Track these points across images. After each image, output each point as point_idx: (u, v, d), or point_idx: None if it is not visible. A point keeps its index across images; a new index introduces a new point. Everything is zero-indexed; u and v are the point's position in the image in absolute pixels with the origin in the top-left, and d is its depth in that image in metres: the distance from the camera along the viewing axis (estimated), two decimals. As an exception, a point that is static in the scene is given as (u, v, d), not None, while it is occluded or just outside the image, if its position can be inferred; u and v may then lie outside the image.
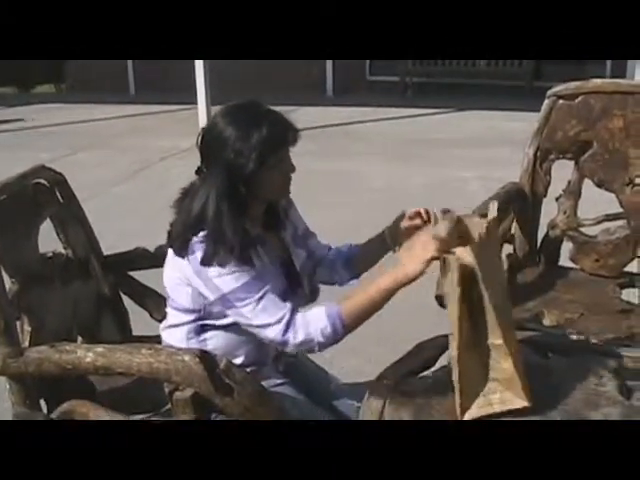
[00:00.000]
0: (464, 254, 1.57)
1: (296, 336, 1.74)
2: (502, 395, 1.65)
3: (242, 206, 1.80)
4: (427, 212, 1.87)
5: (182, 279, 1.84)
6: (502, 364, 1.64)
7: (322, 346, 1.76)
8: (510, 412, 1.63)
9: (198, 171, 1.85)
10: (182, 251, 1.80)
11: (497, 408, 1.64)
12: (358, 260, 2.07)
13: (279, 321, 1.74)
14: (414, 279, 1.65)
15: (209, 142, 1.82)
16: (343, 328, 1.73)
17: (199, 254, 1.76)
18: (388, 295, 1.70)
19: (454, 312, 1.59)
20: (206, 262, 1.75)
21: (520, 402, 1.64)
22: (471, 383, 1.65)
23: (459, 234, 1.60)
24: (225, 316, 1.83)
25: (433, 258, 1.60)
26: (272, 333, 1.75)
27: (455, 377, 1.64)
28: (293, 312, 1.75)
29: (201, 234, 1.77)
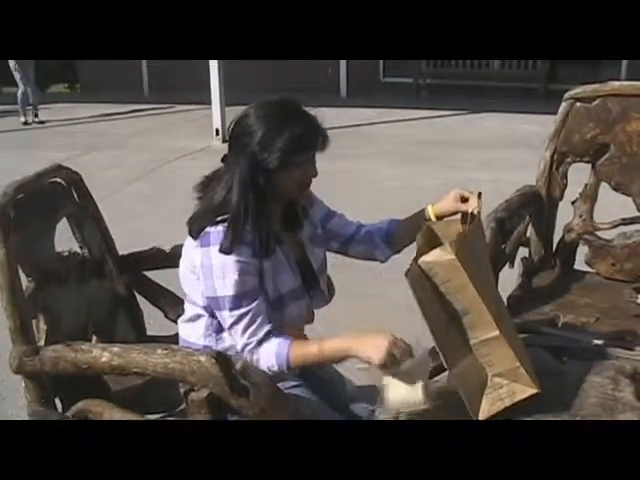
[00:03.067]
0: (439, 258, 1.60)
1: (257, 363, 1.81)
2: (509, 388, 1.65)
3: (262, 199, 1.81)
4: (477, 200, 1.87)
5: (193, 272, 1.85)
6: (500, 356, 1.64)
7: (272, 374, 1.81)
8: (523, 401, 1.64)
9: (224, 159, 1.86)
10: (198, 237, 1.81)
11: (507, 402, 1.64)
12: (399, 235, 2.05)
13: (246, 345, 1.81)
14: (359, 358, 1.72)
15: (238, 132, 1.83)
16: (288, 369, 1.81)
17: (215, 246, 1.77)
18: (336, 359, 1.81)
19: (435, 324, 1.62)
20: (225, 250, 1.76)
21: (529, 390, 1.65)
22: (472, 387, 1.65)
23: (430, 242, 1.65)
24: None
25: (380, 363, 1.67)
26: (239, 346, 1.82)
27: (456, 385, 1.65)
28: (261, 342, 1.81)
29: (221, 226, 1.78)
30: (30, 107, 9.79)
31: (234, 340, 1.83)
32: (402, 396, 1.65)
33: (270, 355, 1.79)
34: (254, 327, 1.80)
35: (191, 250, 1.84)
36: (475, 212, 1.82)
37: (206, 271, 1.79)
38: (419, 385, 1.64)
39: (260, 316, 1.80)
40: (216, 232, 1.78)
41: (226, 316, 1.81)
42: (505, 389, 1.64)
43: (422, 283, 1.60)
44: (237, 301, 1.79)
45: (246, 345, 1.80)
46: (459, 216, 1.85)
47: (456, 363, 1.64)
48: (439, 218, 1.94)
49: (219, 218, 1.80)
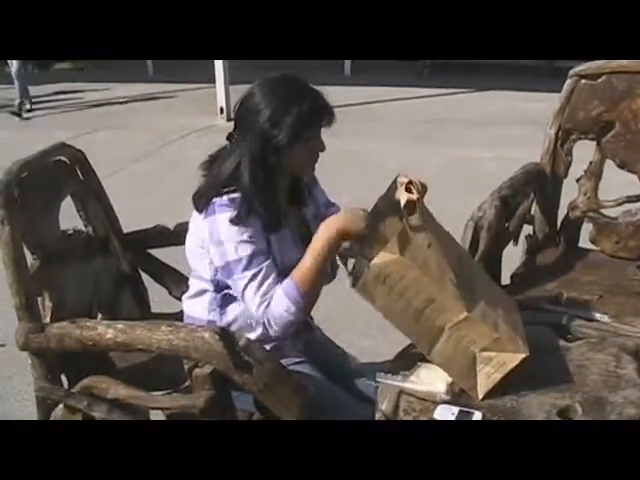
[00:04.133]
0: (386, 258, 1.64)
1: (270, 323, 1.79)
2: (498, 359, 1.65)
3: (271, 176, 1.83)
4: (417, 184, 1.82)
5: (201, 245, 1.86)
6: (478, 333, 1.65)
7: (294, 322, 1.80)
8: (515, 367, 1.64)
9: (229, 137, 1.87)
10: (204, 210, 1.82)
11: (500, 372, 1.64)
12: None
13: (261, 303, 1.78)
14: (343, 236, 1.76)
15: (244, 110, 1.83)
16: (304, 299, 1.77)
17: (221, 214, 1.78)
18: (333, 251, 1.79)
19: (403, 323, 1.65)
20: (235, 221, 1.77)
21: (518, 357, 1.65)
22: (462, 367, 1.66)
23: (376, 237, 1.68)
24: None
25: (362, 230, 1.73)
26: (254, 307, 1.79)
27: (445, 370, 1.65)
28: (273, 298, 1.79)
29: (226, 197, 1.79)
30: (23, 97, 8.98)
31: (247, 302, 1.80)
32: (431, 380, 1.66)
33: (281, 299, 1.77)
34: (267, 285, 1.79)
35: (198, 223, 1.85)
36: (413, 199, 1.79)
37: (215, 239, 1.79)
38: (448, 379, 1.66)
39: (272, 275, 1.80)
40: (222, 202, 1.79)
41: (238, 278, 1.80)
42: (495, 361, 1.65)
43: (376, 288, 1.63)
44: (248, 262, 1.78)
45: (261, 304, 1.78)
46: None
47: (437, 350, 1.66)
48: (391, 208, 1.90)
49: (225, 189, 1.81)
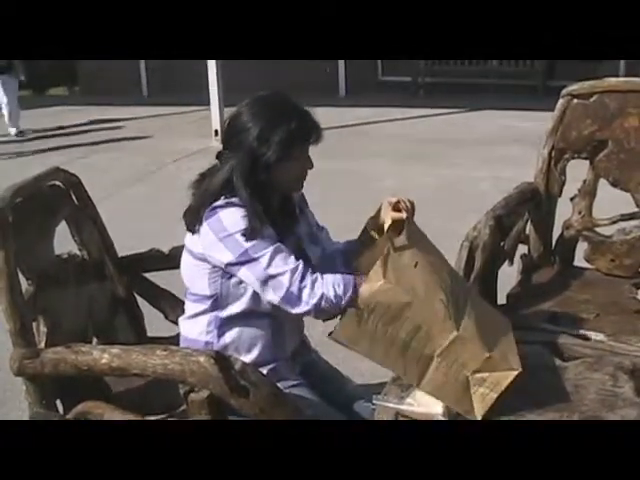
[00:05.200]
0: (372, 288, 1.66)
1: (312, 289, 1.75)
2: (492, 379, 1.64)
3: (262, 194, 1.84)
4: (404, 203, 1.87)
5: (199, 258, 1.86)
6: (469, 353, 1.65)
7: (327, 309, 1.75)
8: (510, 384, 1.63)
9: (219, 155, 1.88)
10: (201, 219, 1.82)
11: (496, 392, 1.63)
12: (355, 256, 2.01)
13: (295, 269, 1.76)
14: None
15: (233, 129, 1.85)
16: (351, 300, 1.72)
17: (225, 211, 1.79)
18: None
19: (389, 360, 1.66)
20: (240, 215, 1.78)
21: (511, 374, 1.64)
22: (456, 392, 1.65)
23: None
24: (241, 294, 1.86)
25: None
26: (287, 281, 1.76)
27: (439, 398, 1.65)
28: (306, 265, 1.78)
29: (225, 200, 1.81)
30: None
31: (277, 277, 1.77)
32: (428, 402, 1.66)
33: (336, 279, 1.76)
34: (290, 256, 1.79)
35: (194, 238, 1.85)
36: (402, 217, 1.82)
37: (223, 235, 1.79)
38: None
39: (290, 250, 1.81)
40: (221, 203, 1.81)
41: (261, 258, 1.77)
42: (489, 381, 1.63)
43: (356, 332, 1.65)
44: (264, 242, 1.78)
45: (295, 269, 1.76)
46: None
47: (427, 380, 1.65)
48: (380, 230, 1.91)
49: (222, 196, 1.82)
